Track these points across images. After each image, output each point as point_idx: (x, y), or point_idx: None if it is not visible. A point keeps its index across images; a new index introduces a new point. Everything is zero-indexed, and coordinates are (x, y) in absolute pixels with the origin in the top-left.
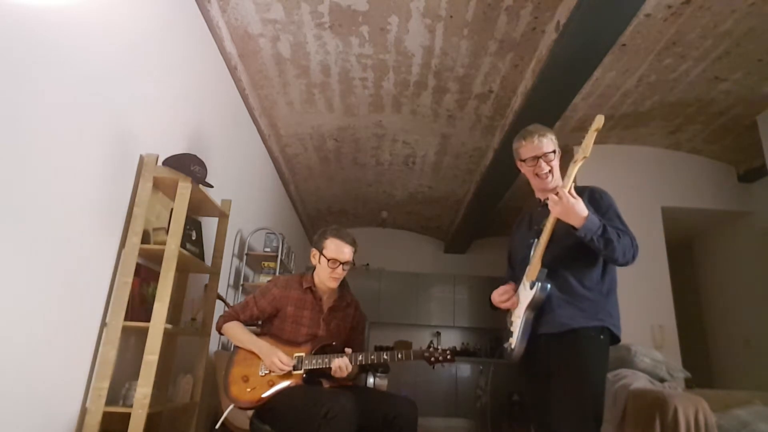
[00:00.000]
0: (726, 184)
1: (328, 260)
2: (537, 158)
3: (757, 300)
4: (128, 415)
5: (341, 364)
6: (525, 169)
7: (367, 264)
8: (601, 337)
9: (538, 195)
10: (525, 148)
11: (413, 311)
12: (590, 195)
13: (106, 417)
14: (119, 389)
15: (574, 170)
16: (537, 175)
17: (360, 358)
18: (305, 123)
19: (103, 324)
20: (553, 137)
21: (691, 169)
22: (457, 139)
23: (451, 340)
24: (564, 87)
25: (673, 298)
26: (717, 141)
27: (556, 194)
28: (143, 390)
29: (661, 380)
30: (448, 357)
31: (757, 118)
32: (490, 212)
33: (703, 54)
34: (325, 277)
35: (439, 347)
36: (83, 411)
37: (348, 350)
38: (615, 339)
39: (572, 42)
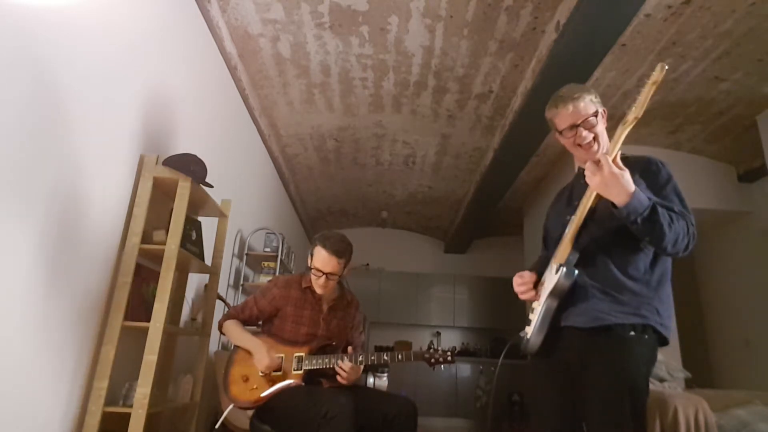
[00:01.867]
0: (726, 184)
1: (312, 269)
2: (576, 126)
3: (757, 300)
4: (128, 415)
5: (346, 368)
6: (564, 140)
7: (367, 264)
8: (645, 336)
9: (581, 165)
10: (560, 117)
11: (413, 311)
12: (645, 166)
13: (106, 417)
14: (119, 389)
15: (623, 134)
16: (579, 145)
17: (360, 358)
18: (305, 123)
19: (103, 324)
20: (593, 97)
21: (691, 169)
22: (457, 139)
23: (451, 340)
24: None
25: (673, 298)
26: (717, 141)
27: (597, 162)
28: (143, 390)
29: (661, 380)
30: (448, 358)
31: (757, 118)
32: (490, 212)
33: (703, 54)
34: (313, 282)
35: (439, 348)
36: (83, 411)
37: (350, 349)
38: (662, 340)
39: (572, 42)
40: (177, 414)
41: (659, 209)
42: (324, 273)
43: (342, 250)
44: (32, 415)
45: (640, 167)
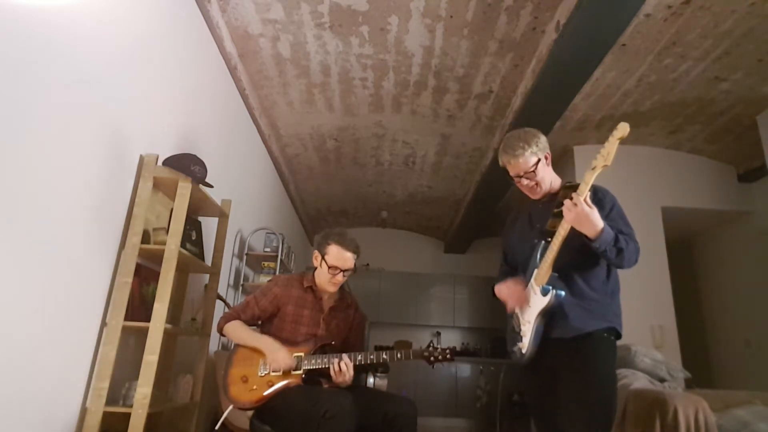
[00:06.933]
0: (726, 184)
1: (329, 267)
2: (520, 176)
3: (757, 300)
4: (128, 415)
5: (342, 367)
6: (515, 181)
7: (367, 264)
8: (612, 338)
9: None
10: (510, 167)
11: (413, 311)
12: (593, 194)
13: (106, 417)
14: (119, 389)
15: (591, 178)
16: (526, 187)
17: (360, 358)
18: (305, 123)
19: (103, 324)
20: (535, 147)
21: (691, 169)
22: (457, 139)
23: (451, 340)
24: (564, 87)
25: (673, 298)
26: (717, 141)
27: (572, 200)
28: (143, 390)
29: (661, 380)
30: (448, 356)
31: (757, 118)
32: (490, 212)
33: (703, 54)
34: (325, 281)
35: (439, 346)
36: (83, 411)
37: (344, 356)
38: (618, 337)
39: (572, 42)
40: (177, 414)
41: (620, 237)
42: (342, 270)
43: (357, 246)
44: (32, 415)
45: (589, 195)
